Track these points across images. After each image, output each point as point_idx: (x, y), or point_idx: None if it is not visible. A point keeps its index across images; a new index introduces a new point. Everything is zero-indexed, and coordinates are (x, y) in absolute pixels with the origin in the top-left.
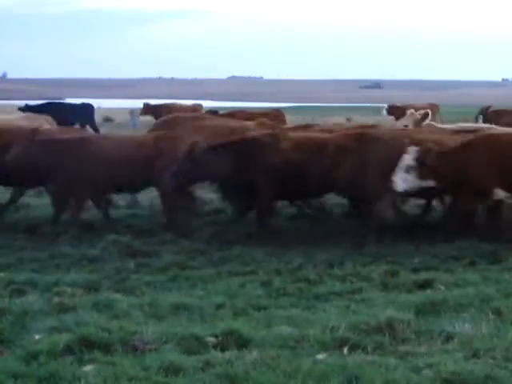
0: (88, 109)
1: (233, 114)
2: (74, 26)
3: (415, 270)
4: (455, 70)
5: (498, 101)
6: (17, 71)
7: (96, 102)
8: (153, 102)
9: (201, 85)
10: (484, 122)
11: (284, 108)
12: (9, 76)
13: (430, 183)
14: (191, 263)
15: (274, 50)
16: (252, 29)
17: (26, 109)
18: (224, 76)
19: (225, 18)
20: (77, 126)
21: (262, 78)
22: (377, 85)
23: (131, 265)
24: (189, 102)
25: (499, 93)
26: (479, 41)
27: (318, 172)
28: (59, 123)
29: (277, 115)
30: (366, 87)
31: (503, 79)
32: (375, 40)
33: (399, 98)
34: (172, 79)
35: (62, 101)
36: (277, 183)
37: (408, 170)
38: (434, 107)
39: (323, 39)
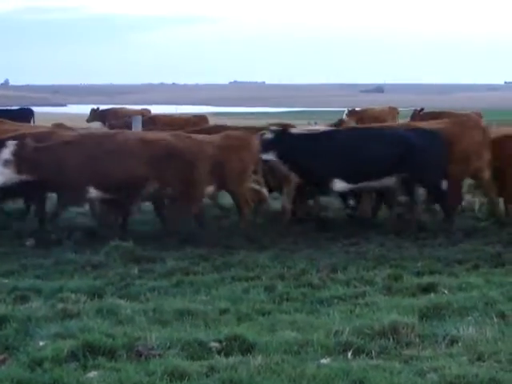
0: (27, 113)
1: (153, 118)
2: (74, 32)
3: (419, 274)
4: (458, 74)
5: (500, 104)
6: (19, 78)
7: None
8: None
9: (202, 90)
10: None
11: (287, 113)
12: (11, 83)
13: (28, 177)
14: (195, 269)
15: (276, 55)
16: (253, 34)
17: None
18: (226, 81)
19: (226, 23)
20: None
21: (264, 82)
22: (379, 89)
23: (135, 271)
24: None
25: (502, 96)
26: (482, 44)
27: None
28: None
29: (198, 121)
30: (367, 91)
31: (506, 82)
32: (378, 44)
33: (401, 101)
34: (173, 85)
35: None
36: None
37: (6, 164)
38: (393, 111)
39: (325, 44)
